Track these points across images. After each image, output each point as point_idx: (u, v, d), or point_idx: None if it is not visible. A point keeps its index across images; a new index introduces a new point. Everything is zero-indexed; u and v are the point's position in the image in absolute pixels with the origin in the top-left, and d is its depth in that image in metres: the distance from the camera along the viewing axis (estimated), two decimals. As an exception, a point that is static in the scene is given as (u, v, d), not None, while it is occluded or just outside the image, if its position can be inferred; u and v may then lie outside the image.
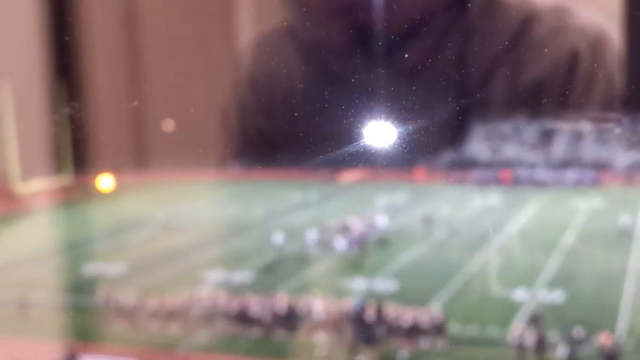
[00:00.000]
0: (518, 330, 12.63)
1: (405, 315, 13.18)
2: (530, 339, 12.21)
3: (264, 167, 22.41)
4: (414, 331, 12.96)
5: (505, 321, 13.43)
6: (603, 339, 11.95)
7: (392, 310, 13.33)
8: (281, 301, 14.13)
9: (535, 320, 12.98)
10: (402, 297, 14.87)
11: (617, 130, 20.37)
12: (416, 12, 13.34)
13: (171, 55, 19.44)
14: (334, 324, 13.51)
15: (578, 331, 12.25)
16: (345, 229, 19.09)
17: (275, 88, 15.47)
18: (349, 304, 13.82)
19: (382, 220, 20.13)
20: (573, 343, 12.07)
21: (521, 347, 12.18)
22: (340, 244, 18.52)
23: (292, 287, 15.88)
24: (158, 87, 20.10)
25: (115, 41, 20.23)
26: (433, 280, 16.12)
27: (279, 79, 15.17)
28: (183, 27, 18.32)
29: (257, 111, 17.05)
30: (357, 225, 19.24)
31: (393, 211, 21.49)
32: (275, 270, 17.54)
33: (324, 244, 18.70)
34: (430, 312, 13.47)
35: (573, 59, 14.00)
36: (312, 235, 18.95)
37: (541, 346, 12.18)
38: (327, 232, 19.21)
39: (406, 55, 13.33)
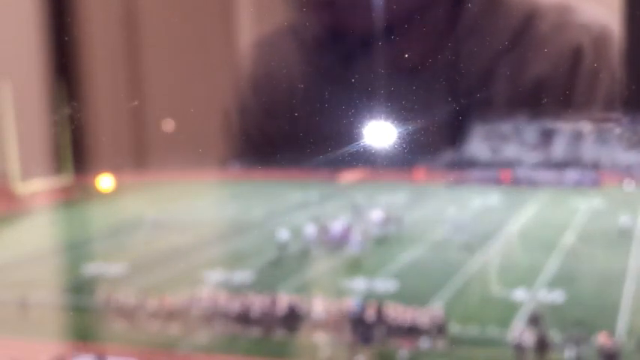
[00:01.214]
0: (518, 330, 12.62)
1: (405, 315, 13.17)
2: (530, 339, 12.20)
3: (265, 167, 22.40)
4: (414, 331, 12.95)
5: (505, 321, 13.42)
6: (603, 339, 11.93)
7: (392, 310, 13.31)
8: (281, 301, 14.12)
9: (535, 320, 12.96)
10: (402, 297, 14.86)
11: (617, 130, 20.35)
12: (416, 11, 13.34)
13: (172, 56, 19.44)
14: (334, 324, 13.49)
15: (578, 331, 12.24)
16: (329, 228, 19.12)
17: (275, 88, 15.48)
18: (349, 304, 13.81)
19: (377, 215, 20.12)
20: (573, 343, 12.06)
21: (521, 347, 12.17)
22: (336, 229, 18.54)
23: (292, 287, 15.87)
24: (158, 87, 20.09)
25: (114, 41, 20.22)
26: (433, 280, 16.11)
27: (279, 79, 15.18)
28: (184, 27, 18.33)
29: (257, 111, 17.05)
30: (339, 227, 19.20)
31: (392, 211, 21.45)
32: (275, 270, 17.52)
33: (323, 238, 18.70)
34: (431, 312, 13.45)
35: (575, 58, 14.00)
36: (309, 230, 18.95)
37: (541, 346, 12.16)
38: (324, 227, 19.19)
39: (406, 55, 13.35)
